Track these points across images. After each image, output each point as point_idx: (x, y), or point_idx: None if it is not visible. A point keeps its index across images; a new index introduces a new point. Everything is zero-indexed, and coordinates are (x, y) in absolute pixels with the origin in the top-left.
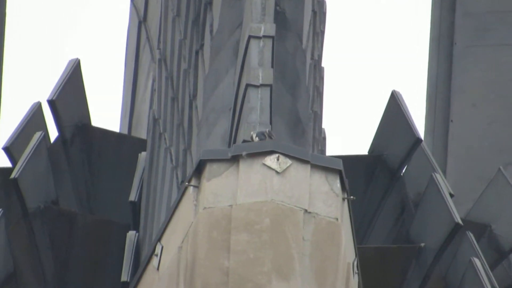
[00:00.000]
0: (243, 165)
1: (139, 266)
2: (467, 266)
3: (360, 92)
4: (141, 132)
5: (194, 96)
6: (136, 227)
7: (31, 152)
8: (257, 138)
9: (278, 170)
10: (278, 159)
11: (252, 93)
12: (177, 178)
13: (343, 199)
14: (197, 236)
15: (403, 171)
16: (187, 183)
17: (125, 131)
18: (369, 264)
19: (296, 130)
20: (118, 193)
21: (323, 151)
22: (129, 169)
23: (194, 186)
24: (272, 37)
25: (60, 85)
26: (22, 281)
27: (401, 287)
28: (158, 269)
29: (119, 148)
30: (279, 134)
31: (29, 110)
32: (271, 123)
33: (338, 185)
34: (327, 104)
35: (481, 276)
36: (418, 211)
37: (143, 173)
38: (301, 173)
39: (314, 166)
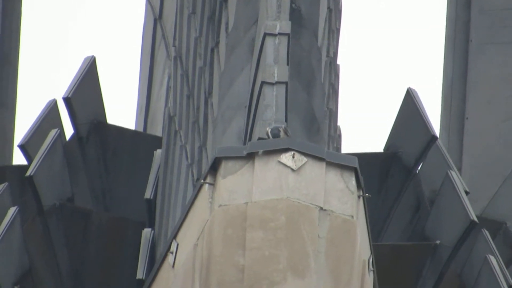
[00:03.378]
0: (258, 162)
1: (154, 264)
2: (482, 264)
3: (376, 90)
4: (157, 130)
5: (209, 94)
6: (151, 225)
7: (47, 150)
8: (270, 134)
9: (294, 167)
10: (293, 157)
11: (268, 91)
12: (192, 175)
13: (359, 196)
14: (212, 234)
15: (419, 168)
16: (202, 181)
17: (141, 129)
18: (385, 261)
19: (311, 127)
20: (133, 190)
21: (338, 148)
22: (144, 166)
23: (210, 184)
24: (288, 35)
25: (76, 82)
26: (37, 278)
27: (417, 284)
28: (173, 266)
29: (135, 145)
30: (294, 132)
31: (45, 107)
32: (286, 120)
33: (354, 182)
34: (343, 101)
35: (497, 273)
36: (434, 209)
37: (158, 170)
38: (316, 170)
39: (330, 164)
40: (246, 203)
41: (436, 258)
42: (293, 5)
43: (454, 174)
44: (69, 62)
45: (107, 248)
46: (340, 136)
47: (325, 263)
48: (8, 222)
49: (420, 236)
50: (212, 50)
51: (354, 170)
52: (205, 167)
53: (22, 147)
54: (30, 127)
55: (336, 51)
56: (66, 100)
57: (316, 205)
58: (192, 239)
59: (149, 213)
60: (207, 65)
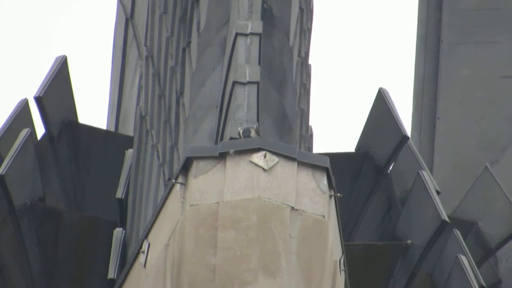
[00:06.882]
0: (230, 162)
1: (126, 263)
2: (453, 263)
3: (347, 90)
4: (128, 129)
5: (181, 93)
6: (123, 224)
7: (18, 149)
8: (242, 135)
9: (265, 167)
10: (265, 156)
11: (239, 90)
12: (164, 175)
13: (330, 196)
14: (184, 233)
15: (390, 168)
16: (174, 180)
17: (112, 128)
18: (356, 261)
19: (283, 127)
20: (105, 190)
21: (310, 148)
22: (116, 166)
23: (181, 183)
24: (259, 34)
25: (47, 82)
26: (9, 277)
27: (388, 284)
28: (145, 266)
29: (106, 145)
30: (266, 131)
31: (16, 107)
32: (258, 120)
33: (325, 182)
34: (314, 101)
35: (468, 273)
36: (405, 209)
37: (130, 170)
38: (288, 170)
39: (301, 164)
40: (218, 203)
41: (407, 258)
42: (265, 5)
43: (426, 174)
44: (40, 61)
45: (78, 248)
46: (311, 136)
47: (296, 263)
48: None
49: (392, 236)
50: (184, 50)
51: (326, 170)
52: (176, 166)
53: None
54: (1, 127)
55: (307, 51)
56: (38, 99)
57: (288, 205)
58: (164, 238)
59: (121, 212)
60: (179, 65)
